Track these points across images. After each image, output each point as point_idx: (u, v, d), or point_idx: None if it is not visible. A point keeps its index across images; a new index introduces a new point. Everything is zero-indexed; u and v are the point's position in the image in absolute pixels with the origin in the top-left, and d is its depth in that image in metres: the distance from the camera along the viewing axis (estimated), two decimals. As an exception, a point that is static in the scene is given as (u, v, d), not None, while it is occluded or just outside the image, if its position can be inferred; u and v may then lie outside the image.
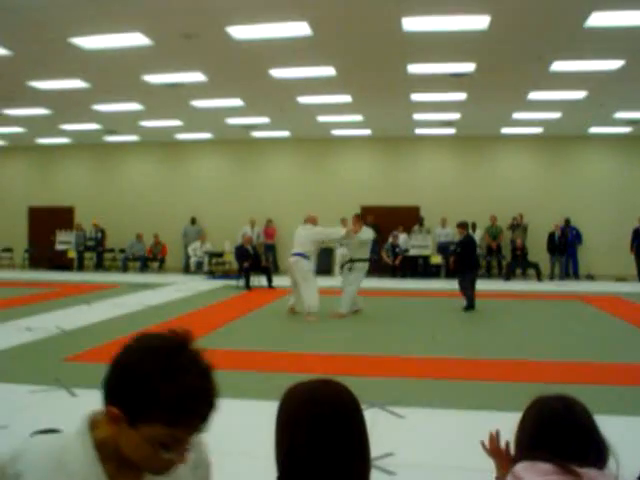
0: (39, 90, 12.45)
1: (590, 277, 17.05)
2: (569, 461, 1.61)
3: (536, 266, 16.49)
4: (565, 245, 16.93)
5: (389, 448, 4.11)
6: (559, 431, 1.69)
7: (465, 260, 11.24)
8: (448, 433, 4.68)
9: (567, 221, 17.33)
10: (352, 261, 10.67)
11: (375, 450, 3.99)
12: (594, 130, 17.12)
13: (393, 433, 4.57)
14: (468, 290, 11.09)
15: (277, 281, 14.95)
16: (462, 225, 11.59)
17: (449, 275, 17.28)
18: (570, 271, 17.18)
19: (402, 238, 17.59)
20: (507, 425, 5.19)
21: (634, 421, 4.76)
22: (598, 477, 1.59)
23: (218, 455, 4.35)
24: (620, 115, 14.91)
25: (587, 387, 5.26)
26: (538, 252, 16.99)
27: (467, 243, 11.33)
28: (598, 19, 8.29)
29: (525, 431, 1.78)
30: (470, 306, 11.00)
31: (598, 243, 17.56)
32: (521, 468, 1.66)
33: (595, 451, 1.66)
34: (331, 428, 1.36)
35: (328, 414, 1.37)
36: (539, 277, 16.34)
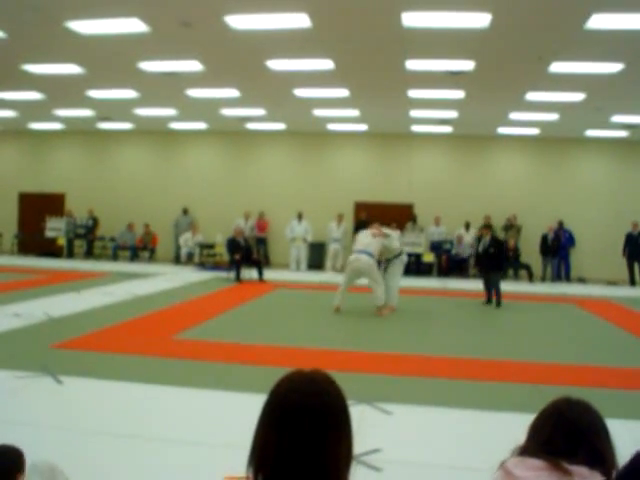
0: (33, 74, 12.32)
1: (582, 280, 17.08)
2: (558, 457, 1.64)
3: (528, 267, 16.49)
4: (558, 247, 16.94)
5: (376, 444, 4.11)
6: (552, 425, 1.74)
7: (498, 260, 11.61)
8: (436, 430, 4.68)
9: (560, 223, 17.33)
10: (388, 260, 10.90)
11: (362, 446, 3.99)
12: (590, 133, 17.14)
13: (380, 429, 4.56)
14: (497, 288, 11.50)
15: (268, 274, 14.90)
16: (488, 227, 12.08)
17: (441, 274, 17.33)
18: (562, 273, 17.20)
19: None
20: (494, 424, 5.16)
21: (628, 424, 4.73)
22: (589, 476, 1.60)
23: (208, 447, 4.30)
24: (617, 119, 14.92)
25: (579, 389, 5.24)
26: (531, 253, 17.00)
27: (501, 243, 11.74)
28: (598, 21, 8.26)
29: (532, 427, 1.83)
30: (500, 303, 11.44)
31: (590, 246, 17.60)
32: (511, 464, 1.69)
33: (587, 452, 1.66)
34: (312, 420, 1.35)
35: (310, 405, 1.36)
36: (531, 278, 16.34)
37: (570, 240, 17.38)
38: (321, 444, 1.34)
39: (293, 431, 1.33)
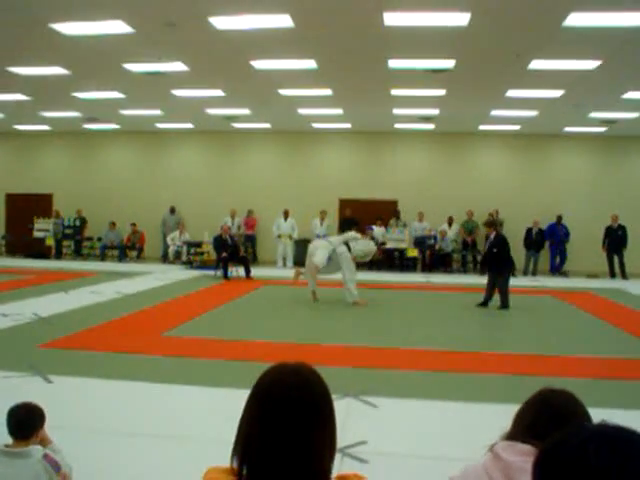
0: (18, 76, 12.31)
1: (563, 273, 17.29)
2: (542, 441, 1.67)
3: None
4: (542, 241, 17.17)
5: (362, 437, 4.19)
6: (536, 411, 1.80)
7: (503, 259, 11.20)
8: (421, 423, 4.78)
9: (559, 218, 17.47)
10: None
11: (348, 438, 4.10)
12: (570, 129, 17.31)
13: (366, 422, 4.64)
14: (503, 291, 10.99)
15: (255, 271, 14.99)
16: (492, 224, 11.77)
17: (425, 269, 17.49)
18: (560, 267, 17.33)
19: (377, 231, 17.63)
20: (478, 415, 5.29)
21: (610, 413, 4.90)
22: None
23: (195, 441, 4.41)
24: (595, 115, 15.10)
25: (562, 380, 5.37)
26: (513, 248, 17.10)
27: (504, 242, 11.33)
28: (576, 19, 8.39)
29: (518, 413, 1.89)
30: (505, 305, 10.86)
31: (572, 240, 17.79)
32: (500, 447, 1.73)
33: None
34: (295, 411, 1.36)
35: (294, 397, 1.38)
36: (514, 272, 16.49)
37: (566, 235, 17.52)
38: (304, 435, 1.35)
39: (276, 423, 1.35)
